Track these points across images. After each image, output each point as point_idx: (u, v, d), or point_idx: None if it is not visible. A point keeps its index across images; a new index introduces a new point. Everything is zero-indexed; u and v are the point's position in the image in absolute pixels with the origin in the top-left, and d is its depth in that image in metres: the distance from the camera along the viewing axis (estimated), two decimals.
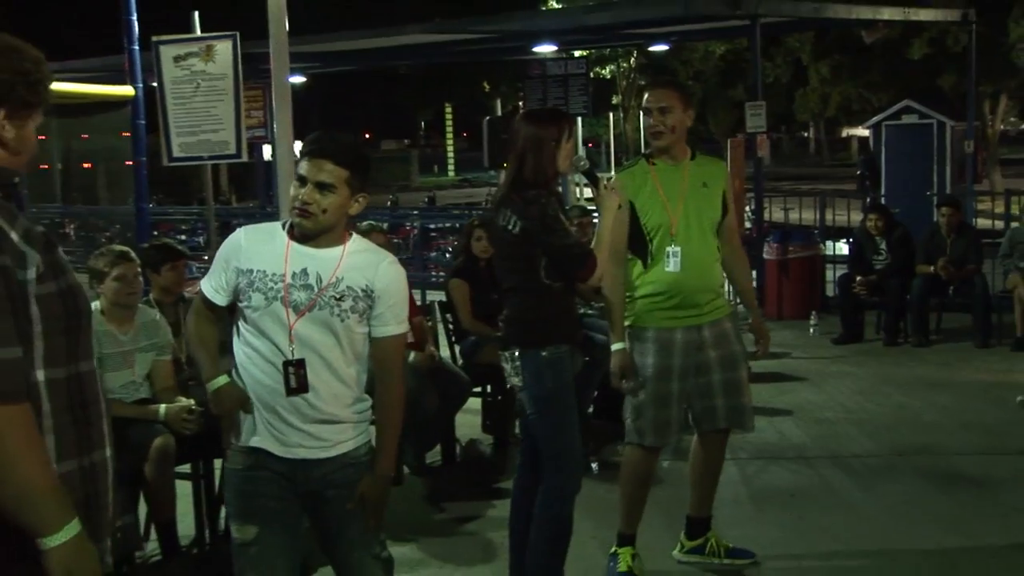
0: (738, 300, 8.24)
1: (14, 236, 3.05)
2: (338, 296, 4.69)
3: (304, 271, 4.67)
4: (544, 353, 6.27)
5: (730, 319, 7.13)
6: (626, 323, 6.86)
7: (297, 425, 4.70)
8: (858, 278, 14.93)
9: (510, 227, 6.19)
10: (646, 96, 7.04)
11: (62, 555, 3.02)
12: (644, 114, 7.01)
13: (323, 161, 4.65)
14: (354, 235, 4.89)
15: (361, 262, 4.78)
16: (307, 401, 4.70)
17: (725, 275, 7.38)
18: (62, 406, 3.15)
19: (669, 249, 6.82)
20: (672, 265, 6.83)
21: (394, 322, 4.88)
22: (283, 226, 4.80)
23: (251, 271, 4.63)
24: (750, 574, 7.23)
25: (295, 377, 4.63)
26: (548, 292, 6.31)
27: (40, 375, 3.10)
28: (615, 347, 6.80)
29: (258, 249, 4.65)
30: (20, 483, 2.97)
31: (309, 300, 4.66)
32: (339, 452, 4.81)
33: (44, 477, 3.01)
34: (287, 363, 4.64)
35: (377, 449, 4.92)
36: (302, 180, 4.64)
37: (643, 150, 7.19)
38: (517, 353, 6.29)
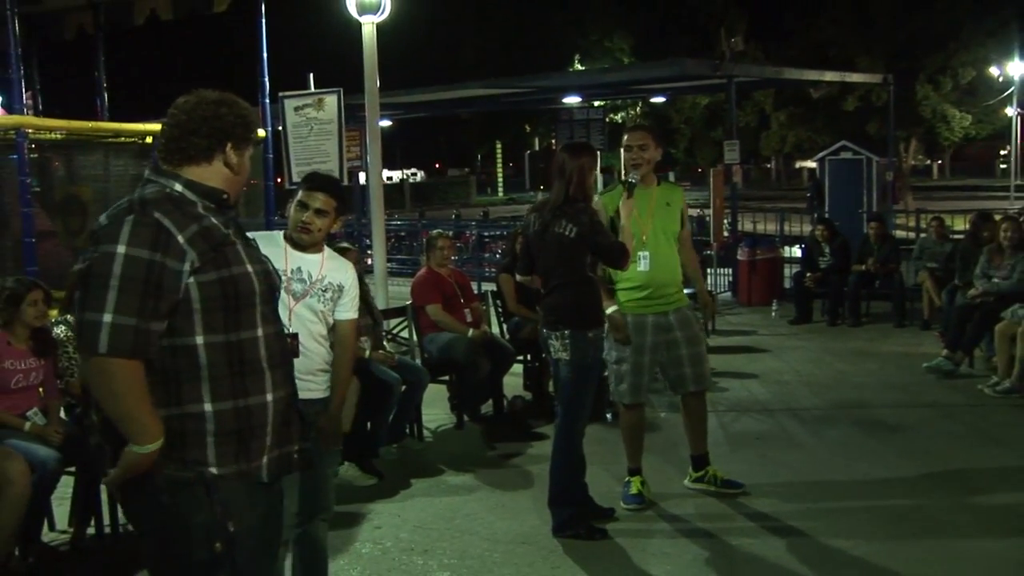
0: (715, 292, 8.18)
1: (180, 238, 3.23)
2: (323, 288, 5.06)
3: (298, 269, 5.02)
4: (590, 334, 6.41)
5: (690, 308, 7.22)
6: (608, 311, 6.85)
7: (306, 378, 4.91)
8: (808, 274, 14.90)
9: (567, 233, 6.31)
10: (626, 136, 7.07)
11: (133, 457, 3.24)
12: (625, 150, 7.02)
13: (320, 193, 5.02)
14: (326, 245, 5.20)
15: (336, 266, 5.17)
16: (308, 359, 4.98)
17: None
18: (220, 362, 3.33)
19: (641, 253, 6.89)
20: (644, 265, 6.91)
21: (352, 309, 5.22)
22: (283, 235, 5.10)
23: None
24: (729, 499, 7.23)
25: (291, 345, 4.79)
26: (591, 285, 6.48)
27: (199, 339, 3.30)
28: (610, 309, 6.86)
29: (265, 251, 4.72)
30: (122, 410, 3.21)
31: (303, 290, 5.02)
32: (327, 394, 5.10)
33: (139, 410, 3.21)
34: (287, 335, 4.76)
35: (332, 394, 5.12)
36: (304, 206, 4.99)
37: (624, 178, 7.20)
38: (568, 332, 6.34)
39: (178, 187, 3.39)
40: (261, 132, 11.19)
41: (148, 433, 3.22)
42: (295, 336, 4.91)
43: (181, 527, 3.33)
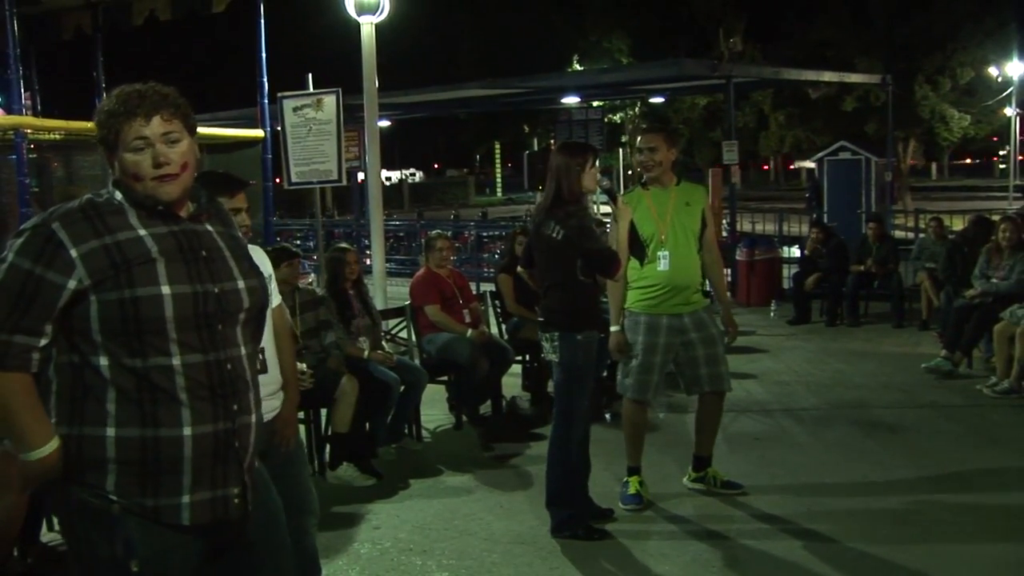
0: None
1: (72, 252, 3.03)
2: None
3: None
4: (579, 337, 6.36)
5: (706, 310, 7.15)
6: (612, 329, 6.92)
7: (264, 397, 4.51)
8: (809, 279, 14.94)
9: (554, 235, 6.25)
10: (639, 139, 7.17)
11: (24, 466, 3.10)
12: (638, 153, 7.09)
13: (241, 193, 4.73)
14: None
15: (257, 257, 4.64)
16: (272, 371, 4.69)
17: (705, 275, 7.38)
18: (128, 386, 3.12)
19: (660, 253, 6.88)
20: (663, 265, 6.88)
21: (277, 293, 4.93)
22: None
23: None
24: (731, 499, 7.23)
25: (260, 362, 4.38)
26: (582, 288, 6.41)
27: (103, 361, 3.10)
28: (613, 329, 6.89)
29: None
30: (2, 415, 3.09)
31: None
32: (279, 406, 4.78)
33: (16, 415, 3.07)
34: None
35: (285, 387, 4.80)
36: (234, 211, 4.51)
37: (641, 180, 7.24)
38: (557, 335, 6.33)
39: (118, 196, 3.21)
40: (255, 132, 11.20)
41: (26, 440, 3.08)
42: (262, 351, 4.54)
43: (89, 558, 3.21)
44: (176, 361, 3.15)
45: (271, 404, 4.65)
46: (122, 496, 3.12)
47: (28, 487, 3.16)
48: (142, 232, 3.16)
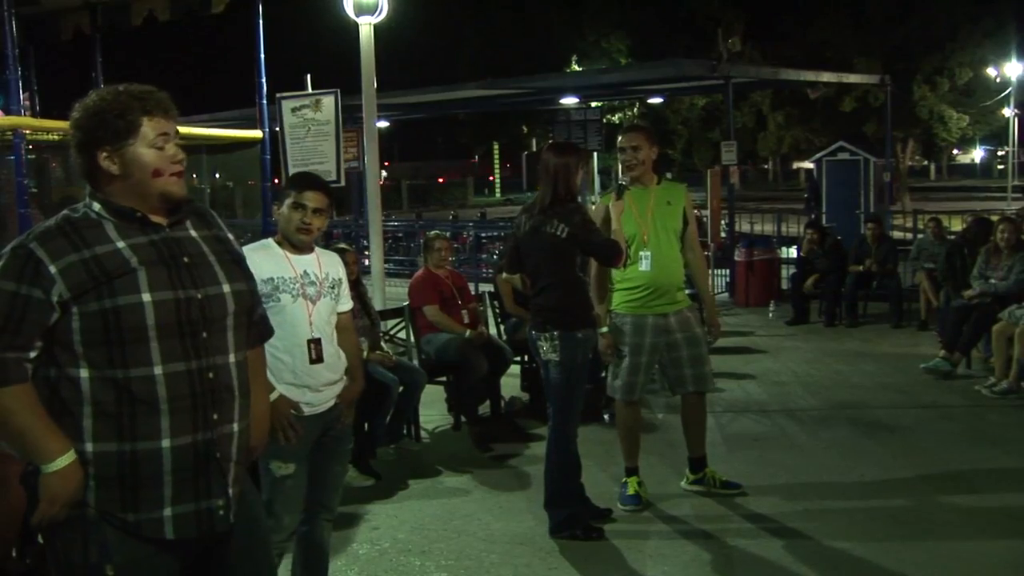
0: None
1: (51, 268, 3.03)
2: (331, 285, 5.00)
3: (305, 272, 4.92)
4: (579, 335, 6.38)
5: (691, 309, 7.17)
6: (600, 330, 6.90)
7: (327, 390, 4.92)
8: (808, 281, 14.93)
9: (558, 233, 6.27)
10: (620, 138, 7.13)
11: (46, 481, 3.09)
12: (619, 152, 7.08)
13: (315, 193, 4.93)
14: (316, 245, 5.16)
15: (330, 260, 5.12)
16: (332, 362, 4.94)
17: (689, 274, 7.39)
18: (107, 399, 3.10)
19: (642, 253, 6.88)
20: (645, 265, 6.89)
21: (349, 299, 5.22)
22: (274, 241, 5.01)
23: (272, 279, 4.78)
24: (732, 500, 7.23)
25: (315, 351, 4.84)
26: (580, 285, 6.48)
27: (83, 373, 3.09)
28: (602, 330, 6.86)
29: (264, 263, 4.72)
30: (7, 433, 3.12)
31: (316, 292, 4.92)
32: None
33: (26, 429, 3.07)
34: (310, 340, 4.84)
35: (351, 371, 5.11)
36: (301, 207, 4.87)
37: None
38: (557, 334, 6.32)
39: (96, 207, 3.20)
40: (253, 133, 11.18)
41: (42, 451, 3.07)
42: (318, 340, 4.86)
43: (64, 562, 3.20)
44: (158, 371, 3.13)
45: (330, 392, 4.96)
46: (105, 512, 3.13)
47: (54, 507, 3.11)
48: (120, 244, 3.14)
